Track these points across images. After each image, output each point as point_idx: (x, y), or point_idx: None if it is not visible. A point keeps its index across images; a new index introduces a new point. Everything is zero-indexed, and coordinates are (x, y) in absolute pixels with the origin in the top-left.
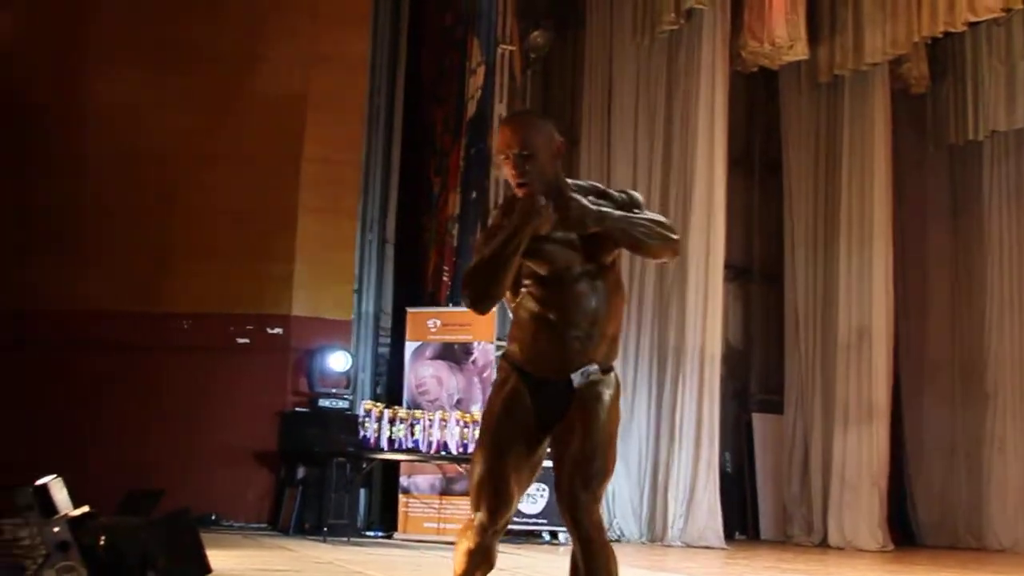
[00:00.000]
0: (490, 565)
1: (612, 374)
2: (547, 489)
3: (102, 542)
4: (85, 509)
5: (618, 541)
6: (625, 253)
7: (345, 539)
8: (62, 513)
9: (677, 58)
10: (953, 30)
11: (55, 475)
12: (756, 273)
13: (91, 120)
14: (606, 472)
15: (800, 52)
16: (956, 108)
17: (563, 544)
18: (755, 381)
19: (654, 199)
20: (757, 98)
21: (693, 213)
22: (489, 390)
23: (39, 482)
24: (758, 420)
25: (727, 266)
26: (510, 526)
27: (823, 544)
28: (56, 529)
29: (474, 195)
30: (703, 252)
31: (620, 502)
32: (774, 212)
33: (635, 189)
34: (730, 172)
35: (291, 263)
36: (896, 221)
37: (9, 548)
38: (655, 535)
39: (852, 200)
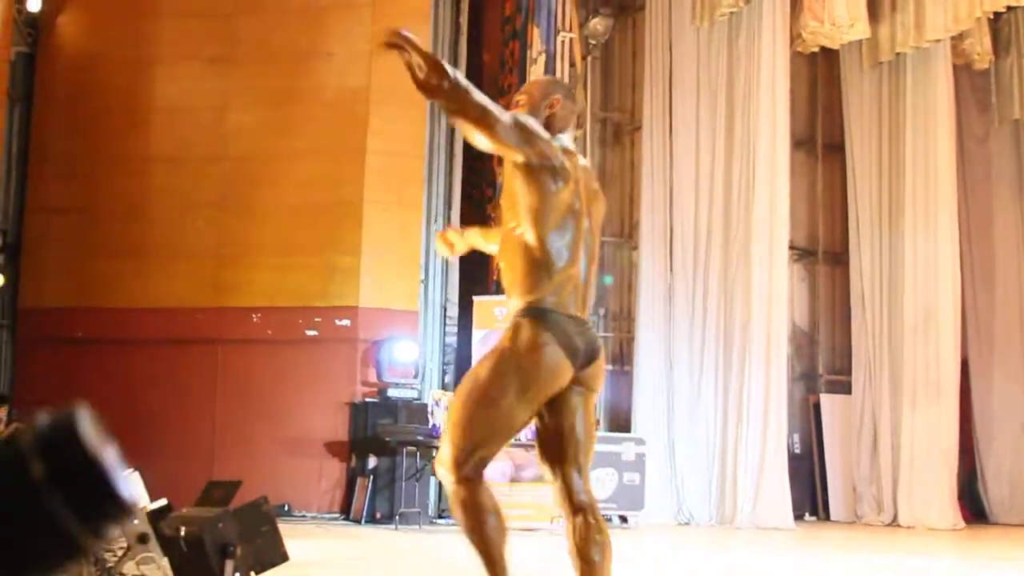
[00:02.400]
0: None
1: None
2: (615, 473)
3: (182, 533)
4: (163, 502)
5: (687, 524)
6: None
7: (417, 527)
8: (140, 506)
9: (737, 40)
10: (1016, 4)
11: (131, 469)
12: (821, 254)
13: (156, 118)
14: None
15: (861, 31)
16: (1020, 82)
17: (630, 527)
18: (822, 362)
19: (717, 182)
20: (818, 79)
21: (756, 195)
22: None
23: None
24: (826, 401)
25: (791, 247)
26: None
27: (893, 523)
28: (135, 521)
29: None
30: (767, 234)
31: (688, 485)
32: (838, 192)
33: (698, 172)
34: (793, 153)
35: (358, 255)
36: (961, 198)
37: None
38: (724, 517)
39: (916, 178)
